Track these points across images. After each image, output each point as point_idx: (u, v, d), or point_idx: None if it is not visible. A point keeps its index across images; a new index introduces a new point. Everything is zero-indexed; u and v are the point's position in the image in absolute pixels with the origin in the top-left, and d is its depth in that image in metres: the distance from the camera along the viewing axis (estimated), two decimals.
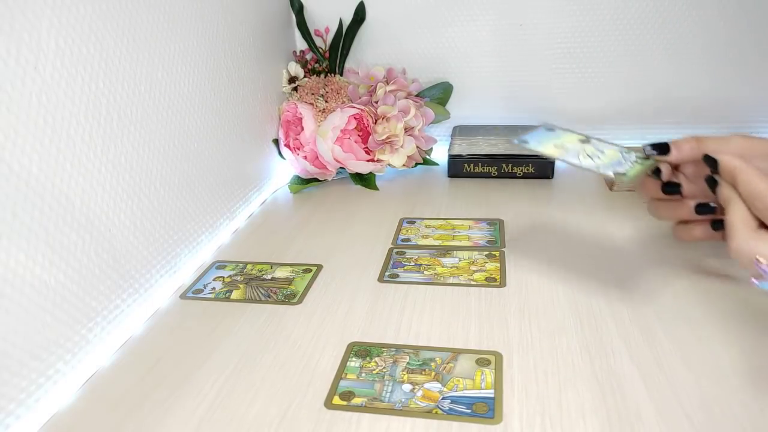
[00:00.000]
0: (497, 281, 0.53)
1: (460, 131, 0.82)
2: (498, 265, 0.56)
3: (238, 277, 0.57)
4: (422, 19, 0.83)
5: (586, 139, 0.53)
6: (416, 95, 0.82)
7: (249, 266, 0.59)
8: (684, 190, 0.47)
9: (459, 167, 0.80)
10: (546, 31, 0.81)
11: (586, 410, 0.37)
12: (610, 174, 0.46)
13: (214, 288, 0.55)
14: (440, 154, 0.84)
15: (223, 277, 0.57)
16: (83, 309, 0.44)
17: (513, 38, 0.82)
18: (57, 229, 0.42)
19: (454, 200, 0.72)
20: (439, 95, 0.85)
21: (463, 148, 0.80)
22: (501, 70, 0.84)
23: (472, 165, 0.79)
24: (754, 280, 0.36)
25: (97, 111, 0.45)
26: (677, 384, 0.39)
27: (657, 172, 0.47)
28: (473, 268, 0.55)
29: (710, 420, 0.36)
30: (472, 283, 0.53)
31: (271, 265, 0.59)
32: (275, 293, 0.53)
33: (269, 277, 0.57)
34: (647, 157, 0.48)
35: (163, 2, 0.54)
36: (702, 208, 0.45)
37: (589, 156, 0.49)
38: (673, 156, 0.46)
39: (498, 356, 0.43)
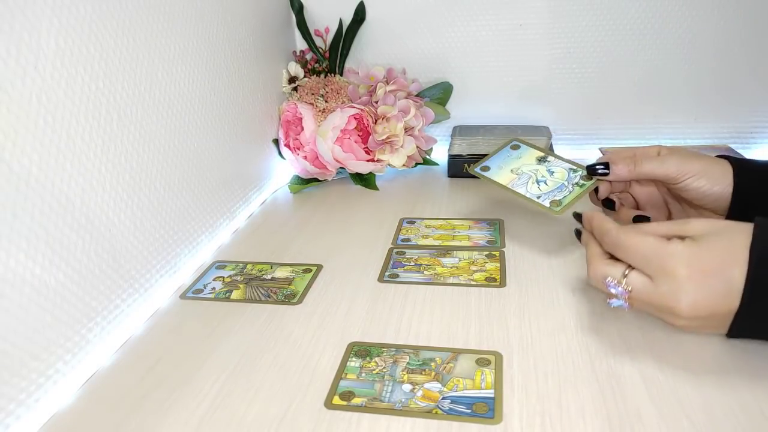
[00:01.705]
0: (497, 281, 0.53)
1: (460, 131, 0.82)
2: (498, 265, 0.56)
3: (238, 277, 0.57)
4: (422, 19, 0.83)
5: (544, 158, 0.58)
6: (416, 95, 0.82)
7: (249, 266, 0.59)
8: (617, 205, 0.54)
9: (459, 167, 0.80)
10: (546, 31, 0.81)
11: (586, 410, 0.37)
12: (546, 205, 0.53)
13: (214, 288, 0.55)
14: (440, 154, 0.84)
15: (223, 277, 0.57)
16: (83, 309, 0.44)
17: (513, 38, 0.82)
18: (57, 229, 0.42)
19: (454, 200, 0.72)
20: (439, 95, 0.85)
21: (463, 148, 0.80)
22: (501, 70, 0.84)
23: (472, 165, 0.79)
24: (608, 300, 0.42)
25: (97, 111, 0.45)
26: (677, 384, 0.39)
27: (597, 189, 0.54)
28: (473, 268, 0.55)
29: (710, 420, 0.36)
30: (472, 283, 0.53)
31: (271, 265, 0.59)
32: (275, 293, 0.53)
33: (269, 277, 0.57)
34: (590, 177, 0.54)
35: (163, 2, 0.54)
36: (638, 219, 0.51)
37: (537, 182, 0.56)
38: (611, 177, 0.52)
39: (498, 356, 0.43)
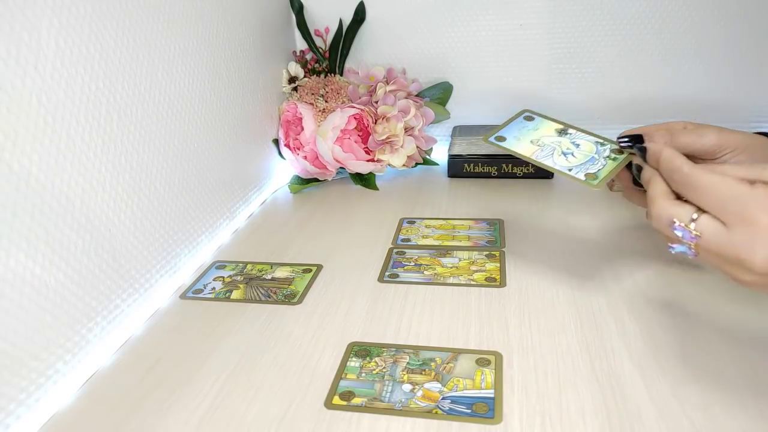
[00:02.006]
0: (497, 281, 0.53)
1: (460, 131, 0.82)
2: (498, 265, 0.56)
3: (238, 277, 0.57)
4: (422, 19, 0.83)
5: (564, 130, 0.53)
6: (416, 95, 0.82)
7: (249, 266, 0.59)
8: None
9: (459, 167, 0.80)
10: (546, 31, 0.81)
11: (586, 410, 0.37)
12: (582, 178, 0.47)
13: (214, 288, 0.55)
14: (440, 154, 0.84)
15: (223, 277, 0.57)
16: (83, 309, 0.44)
17: (513, 38, 0.82)
18: (57, 229, 0.42)
19: (454, 200, 0.72)
20: (439, 95, 0.85)
21: (463, 148, 0.80)
22: (501, 70, 0.84)
23: (472, 165, 0.79)
24: (670, 245, 0.38)
25: (97, 111, 0.45)
26: (677, 384, 0.39)
27: (630, 164, 0.48)
28: (473, 268, 0.55)
29: (710, 420, 0.36)
30: (472, 283, 0.53)
31: (271, 265, 0.59)
32: (275, 293, 0.53)
33: (269, 277, 0.57)
34: (621, 151, 0.49)
35: (163, 2, 0.54)
36: None
37: (564, 154, 0.50)
38: (647, 149, 0.45)
39: (498, 356, 0.43)
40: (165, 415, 0.39)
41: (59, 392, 0.42)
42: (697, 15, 0.77)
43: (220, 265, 0.60)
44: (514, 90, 0.85)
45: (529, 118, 0.54)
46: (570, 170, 0.48)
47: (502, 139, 0.52)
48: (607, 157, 0.49)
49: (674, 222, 0.37)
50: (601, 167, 0.48)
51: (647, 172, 0.42)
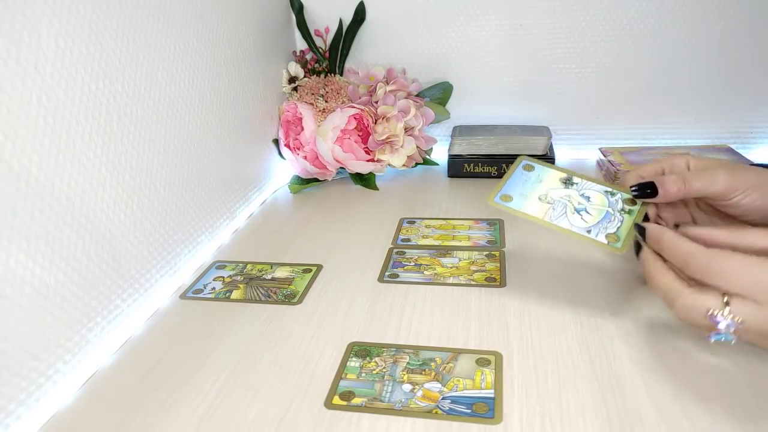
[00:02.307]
0: (497, 281, 0.53)
1: (460, 131, 0.82)
2: (498, 265, 0.56)
3: (238, 277, 0.57)
4: (422, 19, 0.83)
5: (569, 179, 0.50)
6: (416, 95, 0.82)
7: (249, 266, 0.59)
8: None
9: (459, 167, 0.80)
10: (546, 31, 0.81)
11: (586, 410, 0.37)
12: (604, 241, 0.45)
13: (214, 288, 0.55)
14: (440, 154, 0.84)
15: (223, 277, 0.57)
16: (83, 309, 0.44)
17: (513, 38, 0.82)
18: (57, 229, 0.42)
19: (454, 200, 0.72)
20: (439, 95, 0.85)
21: (463, 148, 0.80)
22: (501, 70, 0.84)
23: (472, 165, 0.79)
24: (711, 335, 0.36)
25: (97, 111, 0.45)
26: (677, 384, 0.39)
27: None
28: (473, 268, 0.55)
29: (710, 420, 0.36)
30: (472, 283, 0.53)
31: (271, 265, 0.59)
32: (275, 293, 0.53)
33: (269, 277, 0.57)
34: (633, 202, 0.47)
35: (163, 2, 0.54)
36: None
37: (577, 211, 0.47)
38: (661, 198, 0.45)
39: (498, 356, 0.43)
40: (165, 415, 0.39)
41: (59, 392, 0.42)
42: (697, 14, 0.77)
43: (220, 265, 0.60)
44: (514, 90, 0.85)
45: (529, 168, 0.51)
46: (589, 232, 0.45)
47: (507, 198, 0.48)
48: (622, 210, 0.47)
49: (710, 312, 0.36)
50: (620, 224, 0.46)
51: (646, 254, 0.42)
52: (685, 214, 0.49)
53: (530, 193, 0.49)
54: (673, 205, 0.48)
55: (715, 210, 0.46)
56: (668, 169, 0.47)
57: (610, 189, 0.49)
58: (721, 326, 0.35)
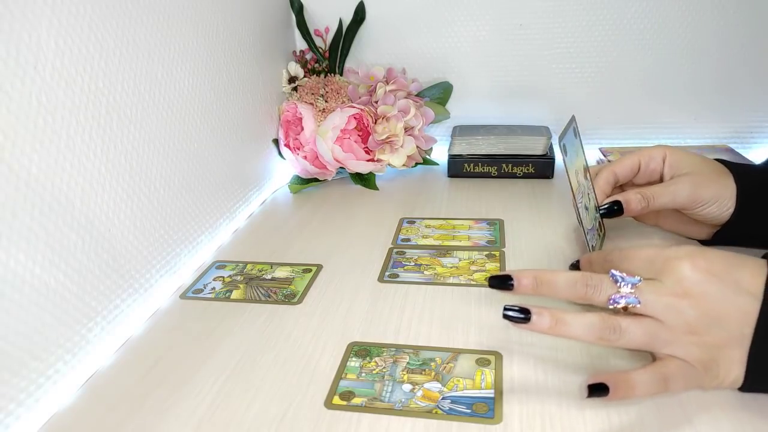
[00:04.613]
0: None
1: (460, 131, 0.82)
2: (498, 265, 0.56)
3: (238, 277, 0.57)
4: (422, 18, 0.83)
5: (586, 170, 0.53)
6: (416, 95, 0.82)
7: (249, 266, 0.59)
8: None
9: (459, 167, 0.80)
10: (546, 31, 0.81)
11: (586, 410, 0.37)
12: (592, 245, 0.51)
13: (214, 288, 0.55)
14: (440, 154, 0.84)
15: (223, 277, 0.57)
16: (83, 309, 0.44)
17: (513, 38, 0.82)
18: (57, 229, 0.42)
19: (454, 200, 0.72)
20: (439, 95, 0.85)
21: (463, 148, 0.80)
22: (501, 70, 0.84)
23: (472, 165, 0.79)
24: (614, 298, 0.37)
25: (97, 111, 0.45)
26: None
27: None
28: (473, 268, 0.55)
29: (710, 420, 0.36)
30: (472, 283, 0.53)
31: (271, 265, 0.59)
32: (275, 293, 0.53)
33: (269, 277, 0.57)
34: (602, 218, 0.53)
35: (163, 3, 0.54)
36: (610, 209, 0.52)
37: (586, 208, 0.51)
38: (625, 215, 0.51)
39: (498, 356, 0.43)
40: (165, 415, 0.39)
41: (59, 392, 0.42)
42: (697, 15, 0.77)
43: (220, 265, 0.60)
44: (514, 90, 0.85)
45: (575, 134, 0.53)
46: (587, 232, 0.51)
47: (565, 150, 0.48)
48: (597, 229, 0.53)
49: (612, 296, 0.37)
50: (598, 241, 0.54)
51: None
52: (653, 215, 0.55)
53: (573, 162, 0.50)
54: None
55: (679, 212, 0.53)
56: (645, 163, 0.52)
57: (595, 202, 0.53)
58: (623, 289, 0.37)
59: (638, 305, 0.36)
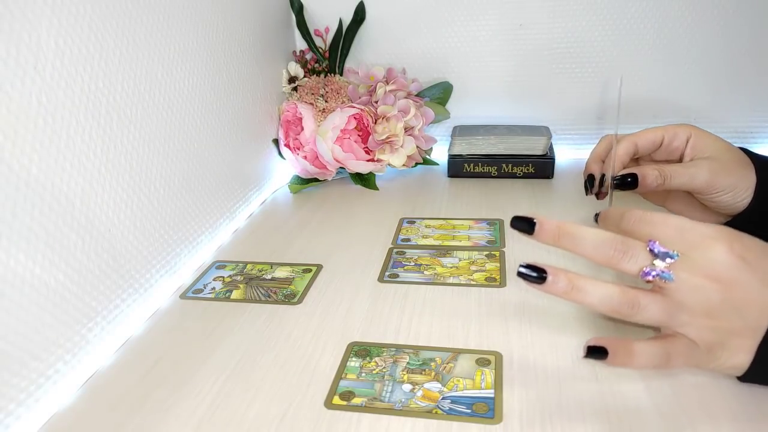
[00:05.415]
0: (497, 281, 0.53)
1: (460, 131, 0.82)
2: (498, 265, 0.56)
3: (238, 277, 0.57)
4: (422, 18, 0.83)
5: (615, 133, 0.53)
6: (416, 95, 0.82)
7: (249, 266, 0.59)
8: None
9: (459, 167, 0.80)
10: (546, 31, 0.81)
11: (586, 410, 0.37)
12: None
13: (214, 288, 0.55)
14: (440, 154, 0.84)
15: (223, 277, 0.57)
16: (83, 309, 0.44)
17: (513, 38, 0.82)
18: (57, 229, 0.42)
19: (454, 200, 0.72)
20: (439, 95, 0.85)
21: (463, 148, 0.80)
22: (501, 70, 0.84)
23: (472, 165, 0.79)
24: (649, 272, 0.35)
25: (97, 111, 0.45)
26: (677, 384, 0.39)
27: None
28: (473, 268, 0.55)
29: (710, 420, 0.36)
30: (472, 283, 0.53)
31: (271, 265, 0.59)
32: (275, 293, 0.53)
33: (269, 277, 0.57)
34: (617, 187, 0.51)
35: (163, 2, 0.54)
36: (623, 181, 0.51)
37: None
38: (640, 189, 0.50)
39: (498, 356, 0.43)
40: (165, 415, 0.39)
41: (59, 392, 0.42)
42: (697, 15, 0.77)
43: (220, 265, 0.60)
44: (514, 90, 0.85)
45: (618, 96, 0.52)
46: (609, 200, 0.51)
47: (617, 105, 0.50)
48: (610, 198, 0.51)
49: (643, 268, 0.36)
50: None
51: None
52: (662, 194, 0.55)
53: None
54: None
55: (690, 195, 0.52)
56: (668, 139, 0.51)
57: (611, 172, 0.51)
58: (658, 263, 0.35)
59: (671, 282, 0.34)
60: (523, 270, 0.36)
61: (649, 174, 0.49)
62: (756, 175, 0.48)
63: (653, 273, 0.35)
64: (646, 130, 0.52)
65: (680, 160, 0.51)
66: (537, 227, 0.37)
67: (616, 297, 0.35)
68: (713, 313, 0.35)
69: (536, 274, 0.36)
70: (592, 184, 0.54)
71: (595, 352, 0.35)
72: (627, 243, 0.36)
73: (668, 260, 0.35)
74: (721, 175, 0.48)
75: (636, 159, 0.54)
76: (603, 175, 0.53)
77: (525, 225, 0.37)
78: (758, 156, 0.50)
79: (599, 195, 0.54)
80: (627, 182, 0.49)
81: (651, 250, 0.35)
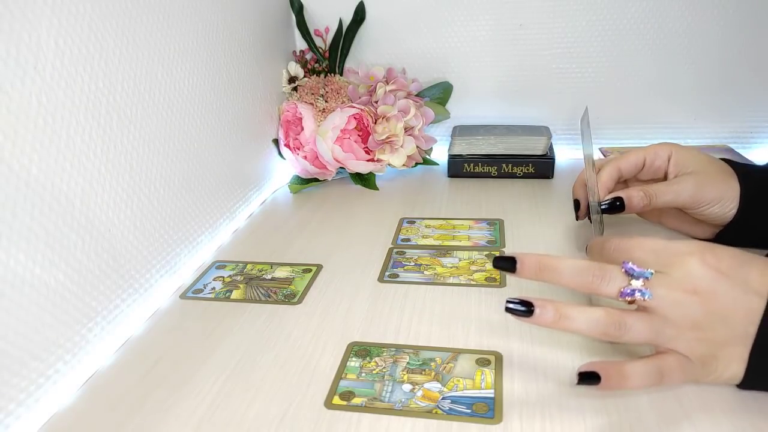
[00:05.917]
0: (497, 281, 0.53)
1: (460, 131, 0.82)
2: None
3: (238, 277, 0.57)
4: (422, 19, 0.83)
5: (593, 165, 0.53)
6: (416, 95, 0.82)
7: (249, 266, 0.59)
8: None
9: (459, 167, 0.80)
10: (546, 31, 0.81)
11: (586, 410, 0.37)
12: (598, 233, 0.51)
13: (214, 288, 0.55)
14: (440, 154, 0.84)
15: (223, 277, 0.57)
16: (83, 309, 0.44)
17: (513, 38, 0.82)
18: (57, 229, 0.42)
19: (454, 200, 0.72)
20: (439, 95, 0.85)
21: (463, 148, 0.80)
22: (501, 70, 0.84)
23: (472, 165, 0.79)
24: (627, 291, 0.36)
25: (97, 111, 0.45)
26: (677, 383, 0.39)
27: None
28: (473, 268, 0.55)
29: (710, 420, 0.36)
30: (472, 283, 0.53)
31: (271, 264, 0.59)
32: (275, 293, 0.53)
33: (269, 277, 0.57)
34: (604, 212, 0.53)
35: (163, 2, 0.54)
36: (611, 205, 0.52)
37: (591, 197, 0.53)
38: (627, 212, 0.51)
39: (498, 356, 0.43)
40: (165, 415, 0.39)
41: (59, 392, 0.42)
42: (697, 14, 0.77)
43: (220, 265, 0.60)
44: (514, 90, 0.85)
45: (587, 124, 0.54)
46: (593, 223, 0.52)
47: (582, 136, 0.52)
48: (598, 221, 0.52)
49: (621, 288, 0.36)
50: (599, 231, 0.53)
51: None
52: (656, 212, 0.56)
53: (586, 149, 0.52)
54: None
55: (682, 211, 0.53)
56: (650, 160, 0.52)
57: (597, 198, 0.53)
58: (635, 282, 0.36)
59: (650, 299, 0.35)
60: (511, 305, 0.38)
61: (634, 196, 0.50)
62: (739, 183, 0.49)
63: (630, 291, 0.36)
64: (628, 153, 0.53)
65: (665, 177, 0.53)
66: (518, 265, 0.39)
67: (603, 320, 0.36)
68: (699, 326, 0.35)
69: (524, 308, 0.37)
70: (578, 208, 0.57)
71: (588, 378, 0.36)
72: (603, 268, 0.37)
73: (642, 279, 0.36)
74: (706, 188, 0.49)
75: (625, 181, 0.55)
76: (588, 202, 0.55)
77: (507, 264, 0.39)
78: (740, 165, 0.51)
79: (590, 218, 0.55)
80: (615, 206, 0.51)
81: (626, 272, 0.36)
